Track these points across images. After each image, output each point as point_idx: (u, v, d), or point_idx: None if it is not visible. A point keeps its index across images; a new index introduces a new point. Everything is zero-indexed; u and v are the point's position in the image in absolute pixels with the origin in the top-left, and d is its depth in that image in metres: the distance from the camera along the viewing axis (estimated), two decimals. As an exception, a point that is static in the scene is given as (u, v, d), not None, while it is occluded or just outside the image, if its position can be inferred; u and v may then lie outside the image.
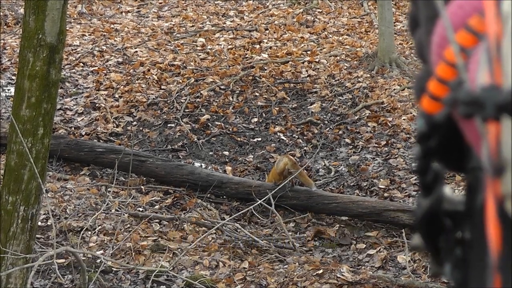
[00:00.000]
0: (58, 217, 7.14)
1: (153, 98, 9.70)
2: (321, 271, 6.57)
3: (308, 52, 11.10)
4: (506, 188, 0.54)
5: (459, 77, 0.59)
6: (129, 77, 10.23)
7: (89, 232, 7.05)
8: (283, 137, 9.06)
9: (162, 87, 10.02)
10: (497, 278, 0.55)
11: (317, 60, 10.84)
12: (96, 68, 10.54)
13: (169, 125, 9.25)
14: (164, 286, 6.46)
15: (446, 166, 0.64)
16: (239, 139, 9.05)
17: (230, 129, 9.19)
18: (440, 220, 0.65)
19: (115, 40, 11.48)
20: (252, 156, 8.75)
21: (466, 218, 0.64)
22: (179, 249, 6.85)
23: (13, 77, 9.49)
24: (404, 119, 9.30)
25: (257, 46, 11.32)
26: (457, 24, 0.60)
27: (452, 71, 0.60)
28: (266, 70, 10.48)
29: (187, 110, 9.50)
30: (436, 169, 0.63)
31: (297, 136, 9.09)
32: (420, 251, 0.72)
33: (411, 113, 9.40)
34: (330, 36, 11.81)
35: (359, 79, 10.29)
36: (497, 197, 0.55)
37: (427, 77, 0.64)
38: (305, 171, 7.89)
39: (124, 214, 7.27)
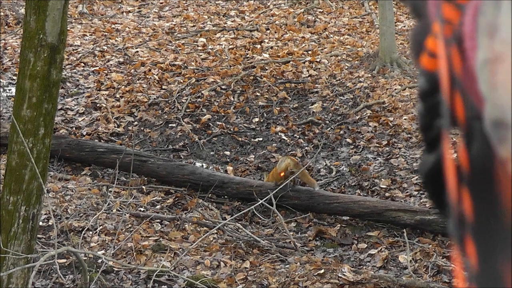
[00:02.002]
0: (59, 217, 7.13)
1: (154, 98, 9.70)
2: (322, 271, 6.57)
3: (309, 52, 11.10)
4: (507, 149, 0.54)
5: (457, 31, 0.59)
6: (130, 77, 10.23)
7: (90, 232, 7.05)
8: (284, 137, 9.06)
9: (163, 87, 10.02)
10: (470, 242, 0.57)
11: (318, 60, 10.84)
12: (97, 68, 10.54)
13: (170, 125, 9.25)
14: (166, 286, 6.46)
15: (447, 120, 0.65)
16: (240, 139, 9.05)
17: (231, 129, 9.19)
18: (441, 172, 0.66)
19: (116, 40, 11.48)
20: (253, 156, 8.75)
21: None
22: (181, 249, 6.85)
23: (14, 77, 9.49)
24: (405, 119, 9.30)
25: (258, 46, 11.32)
26: None
27: (449, 29, 0.59)
28: (267, 70, 10.48)
29: (188, 110, 9.50)
30: (439, 125, 0.64)
31: (298, 136, 9.09)
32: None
33: (412, 113, 9.40)
34: (331, 36, 11.81)
35: (360, 79, 10.28)
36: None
37: (424, 34, 0.64)
38: (306, 171, 7.89)
39: (125, 214, 7.27)
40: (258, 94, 9.91)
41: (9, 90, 9.81)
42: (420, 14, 0.66)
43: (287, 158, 7.79)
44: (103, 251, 6.72)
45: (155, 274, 6.09)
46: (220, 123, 9.28)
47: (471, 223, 0.58)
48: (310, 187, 7.76)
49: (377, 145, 8.87)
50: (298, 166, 7.70)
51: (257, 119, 9.41)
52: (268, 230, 7.42)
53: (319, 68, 10.61)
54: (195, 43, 11.41)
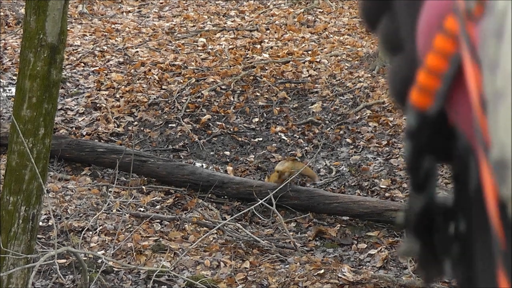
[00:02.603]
0: (59, 217, 7.14)
1: (154, 98, 9.70)
2: (322, 271, 6.57)
3: (309, 52, 11.10)
4: (507, 191, 0.51)
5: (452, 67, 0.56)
6: (130, 77, 10.23)
7: (90, 232, 7.06)
8: (284, 137, 9.06)
9: (163, 87, 10.02)
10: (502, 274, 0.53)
11: (318, 60, 10.84)
12: (97, 68, 10.55)
13: (170, 125, 9.25)
14: (165, 286, 6.46)
15: (435, 157, 0.61)
16: (240, 139, 9.05)
17: (231, 129, 9.19)
18: (432, 218, 0.62)
19: (116, 40, 11.48)
20: (253, 156, 8.75)
21: (458, 210, 0.61)
22: (180, 249, 6.86)
23: (14, 77, 9.49)
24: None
25: (258, 46, 11.32)
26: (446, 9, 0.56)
27: (444, 61, 0.56)
28: (267, 70, 10.48)
29: (188, 110, 9.50)
30: (428, 165, 0.60)
31: (298, 136, 9.09)
32: (411, 255, 0.66)
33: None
34: (331, 36, 11.81)
35: (360, 79, 10.28)
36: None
37: (411, 68, 0.60)
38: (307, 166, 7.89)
39: (125, 214, 7.27)
40: (258, 94, 9.91)
41: (9, 90, 9.81)
42: (400, 46, 0.61)
43: (286, 161, 7.79)
44: (103, 251, 6.73)
45: (155, 274, 6.10)
46: (220, 123, 9.28)
47: (504, 251, 0.53)
48: (311, 181, 7.77)
49: (377, 145, 8.87)
50: (297, 164, 7.70)
51: (257, 119, 9.41)
52: (268, 230, 7.42)
53: (319, 68, 10.61)
54: (195, 43, 11.41)
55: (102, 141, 8.83)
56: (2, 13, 12.01)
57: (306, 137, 9.07)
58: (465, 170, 0.58)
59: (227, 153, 8.83)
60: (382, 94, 9.86)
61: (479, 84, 0.52)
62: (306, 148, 8.86)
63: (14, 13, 12.15)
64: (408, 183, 0.64)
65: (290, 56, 10.92)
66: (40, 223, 6.36)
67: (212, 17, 12.59)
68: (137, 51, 11.07)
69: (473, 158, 0.55)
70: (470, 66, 0.53)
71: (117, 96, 9.79)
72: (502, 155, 0.50)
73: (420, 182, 0.61)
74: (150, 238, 7.04)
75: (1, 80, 10.05)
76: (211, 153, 8.83)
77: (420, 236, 0.63)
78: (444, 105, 0.57)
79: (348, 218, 7.59)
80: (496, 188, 0.51)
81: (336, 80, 10.28)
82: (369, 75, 10.38)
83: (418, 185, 0.61)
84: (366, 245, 7.20)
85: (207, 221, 7.35)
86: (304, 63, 10.74)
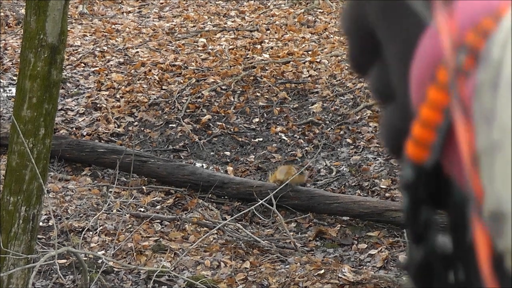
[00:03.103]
0: (59, 217, 7.14)
1: (154, 99, 9.70)
2: (322, 271, 6.57)
3: (309, 52, 11.10)
4: (506, 243, 0.49)
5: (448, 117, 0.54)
6: (130, 78, 10.23)
7: (91, 233, 7.06)
8: (284, 137, 9.06)
9: (163, 87, 10.02)
10: None
11: (318, 60, 10.84)
12: (97, 68, 10.55)
13: (170, 125, 9.25)
14: (166, 287, 6.46)
15: (432, 206, 0.60)
16: (240, 139, 9.05)
17: (232, 129, 9.19)
18: (432, 265, 0.61)
19: (116, 41, 11.48)
20: (254, 156, 8.75)
21: (457, 258, 0.60)
22: (181, 250, 6.86)
23: (14, 78, 9.49)
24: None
25: (258, 46, 11.32)
26: (438, 56, 0.53)
27: (438, 113, 0.54)
28: (267, 70, 10.48)
29: (188, 111, 9.51)
30: (427, 216, 0.59)
31: (298, 136, 9.09)
32: None
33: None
34: (331, 36, 11.81)
35: (360, 79, 10.28)
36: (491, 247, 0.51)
37: (405, 119, 0.58)
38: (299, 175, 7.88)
39: (125, 215, 7.27)
40: (258, 94, 9.91)
41: (10, 90, 9.81)
42: (392, 96, 0.60)
43: (289, 168, 7.76)
44: (103, 252, 6.73)
45: (155, 274, 6.10)
46: (220, 123, 9.28)
47: None
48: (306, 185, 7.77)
49: (377, 145, 8.87)
50: (293, 170, 7.70)
51: (257, 120, 9.41)
52: (268, 230, 7.42)
53: (319, 68, 10.61)
54: (195, 44, 11.42)
55: (102, 141, 8.84)
56: (2, 14, 12.02)
57: (306, 137, 9.07)
58: (462, 218, 0.57)
59: (228, 153, 8.83)
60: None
61: (470, 138, 0.51)
62: (306, 148, 8.86)
63: (14, 13, 12.15)
64: (407, 234, 0.63)
65: (291, 57, 10.92)
66: (41, 223, 6.36)
67: (212, 17, 12.59)
68: (138, 52, 11.07)
69: (469, 207, 0.55)
70: (461, 121, 0.52)
71: (118, 96, 9.79)
72: (498, 207, 0.49)
73: (419, 233, 0.59)
74: (150, 238, 7.04)
75: (2, 81, 10.05)
76: (212, 153, 8.83)
77: (420, 284, 0.61)
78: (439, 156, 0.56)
79: (348, 218, 7.59)
80: (490, 241, 0.51)
81: (337, 80, 10.28)
82: (370, 75, 10.37)
83: (417, 236, 0.60)
84: (366, 245, 7.20)
85: (207, 221, 7.35)
86: (304, 63, 10.74)
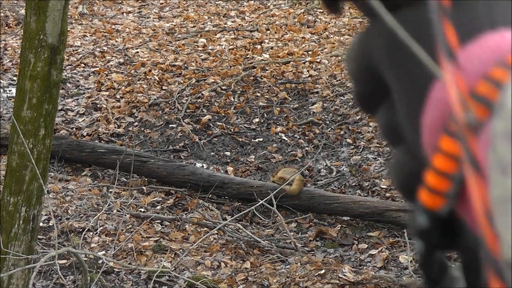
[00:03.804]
0: (59, 218, 7.14)
1: (155, 99, 9.70)
2: (323, 271, 6.57)
3: (309, 52, 11.10)
4: None
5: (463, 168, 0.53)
6: (130, 78, 10.23)
7: (91, 233, 7.06)
8: (284, 138, 9.06)
9: (164, 87, 10.02)
10: None
11: (318, 60, 10.84)
12: (97, 68, 10.55)
13: (170, 125, 9.25)
14: (166, 287, 6.46)
15: (445, 249, 0.60)
16: (240, 139, 9.05)
17: (232, 130, 9.19)
18: None
19: (116, 41, 11.48)
20: (254, 157, 8.75)
21: None
22: (181, 250, 6.86)
23: (15, 78, 9.49)
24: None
25: (258, 47, 11.32)
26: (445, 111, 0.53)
27: (453, 162, 0.54)
28: (267, 70, 10.48)
29: (188, 111, 9.51)
30: (440, 260, 0.59)
31: (298, 137, 9.09)
32: None
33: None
34: (331, 36, 11.81)
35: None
36: None
37: (417, 167, 0.58)
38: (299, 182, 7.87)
39: (125, 215, 7.27)
40: (258, 94, 9.91)
41: (10, 91, 9.81)
42: (402, 139, 0.60)
43: (294, 172, 7.75)
44: (103, 252, 6.73)
45: (155, 274, 6.10)
46: (221, 123, 9.28)
47: None
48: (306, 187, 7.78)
49: (378, 145, 8.87)
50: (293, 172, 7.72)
51: (257, 120, 9.41)
52: (269, 230, 7.42)
53: (320, 69, 10.61)
54: (195, 44, 11.41)
55: (102, 141, 8.84)
56: (2, 14, 12.02)
57: (306, 137, 9.07)
58: (475, 261, 0.57)
59: (228, 153, 8.83)
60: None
61: (483, 189, 0.51)
62: (306, 148, 8.86)
63: (14, 13, 12.15)
64: (422, 279, 0.63)
65: (291, 57, 10.92)
66: (41, 224, 6.36)
67: (212, 17, 12.59)
68: (138, 52, 11.07)
69: (481, 251, 0.54)
70: (471, 174, 0.51)
71: (118, 96, 9.79)
72: None
73: (434, 277, 0.59)
74: (150, 239, 7.04)
75: (2, 81, 10.05)
76: (212, 153, 8.83)
77: None
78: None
79: (348, 218, 7.59)
80: None
81: (337, 80, 10.28)
82: (370, 75, 10.37)
83: (432, 281, 0.60)
84: (366, 245, 7.19)
85: (207, 222, 7.35)
86: (304, 63, 10.74)
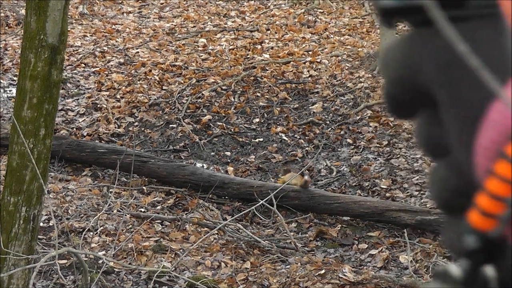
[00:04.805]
0: (60, 217, 7.14)
1: (155, 99, 9.70)
2: (323, 271, 6.57)
3: (310, 53, 11.10)
4: None
5: None
6: (130, 78, 10.23)
7: (91, 233, 7.06)
8: (284, 138, 9.06)
9: (164, 87, 10.02)
10: None
11: (318, 60, 10.84)
12: (98, 69, 10.55)
13: (170, 125, 9.25)
14: (166, 287, 6.46)
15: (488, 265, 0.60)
16: (240, 139, 9.05)
17: (232, 130, 9.19)
18: None
19: (116, 41, 11.48)
20: (254, 157, 8.75)
21: None
22: (181, 250, 6.86)
23: (15, 78, 9.49)
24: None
25: (259, 47, 11.32)
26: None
27: (508, 188, 0.53)
28: (267, 70, 10.48)
29: (188, 111, 9.51)
30: (484, 277, 0.59)
31: (298, 137, 9.09)
32: None
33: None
34: (332, 36, 11.81)
35: (360, 79, 10.28)
36: None
37: (459, 179, 0.57)
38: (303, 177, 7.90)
39: (126, 215, 7.27)
40: (258, 94, 9.91)
41: (10, 91, 9.81)
42: (444, 152, 0.59)
43: (301, 178, 7.78)
44: (103, 252, 6.73)
45: (155, 274, 6.10)
46: (221, 123, 9.28)
47: None
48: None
49: (378, 145, 8.87)
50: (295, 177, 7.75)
51: (257, 120, 9.41)
52: (269, 230, 7.42)
53: (320, 69, 10.61)
54: (196, 44, 11.41)
55: (102, 141, 8.84)
56: (2, 14, 12.02)
57: (306, 137, 9.07)
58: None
59: (228, 153, 8.83)
60: (383, 94, 9.86)
61: None
62: (306, 148, 8.86)
63: (14, 13, 12.15)
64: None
65: (291, 57, 10.92)
66: (41, 224, 6.36)
67: (212, 17, 12.59)
68: (138, 52, 11.07)
69: None
70: None
71: (118, 96, 9.79)
72: None
73: None
74: (150, 239, 7.04)
75: (2, 81, 10.05)
76: (212, 153, 8.83)
77: None
78: None
79: (349, 218, 7.59)
80: None
81: (337, 81, 10.28)
82: (370, 75, 10.38)
83: None
84: (367, 245, 7.19)
85: (207, 222, 7.35)
86: (304, 63, 10.74)
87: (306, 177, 7.75)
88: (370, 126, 9.23)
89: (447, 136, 0.59)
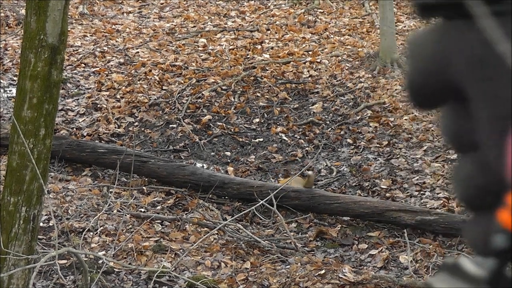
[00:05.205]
0: (60, 218, 7.13)
1: (155, 99, 9.70)
2: (323, 271, 6.57)
3: (310, 53, 11.10)
4: None
5: None
6: (130, 78, 10.23)
7: (91, 233, 7.05)
8: (284, 138, 9.06)
9: (164, 87, 10.02)
10: None
11: (318, 60, 10.84)
12: (98, 69, 10.55)
13: (170, 125, 9.25)
14: (166, 287, 6.46)
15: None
16: (240, 139, 9.05)
17: (232, 130, 9.19)
18: None
19: (116, 41, 11.48)
20: (254, 157, 8.75)
21: None
22: (181, 250, 6.85)
23: (15, 78, 9.49)
24: (405, 119, 9.30)
25: (259, 47, 11.32)
26: None
27: None
28: (267, 70, 10.48)
29: (188, 111, 9.50)
30: (508, 274, 0.59)
31: (298, 137, 9.08)
32: None
33: (412, 113, 9.40)
34: (332, 36, 11.81)
35: (360, 79, 10.28)
36: None
37: (486, 176, 0.57)
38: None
39: (126, 215, 7.27)
40: (258, 94, 9.91)
41: (10, 91, 9.81)
42: (472, 147, 0.58)
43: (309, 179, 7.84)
44: (103, 252, 6.72)
45: (155, 274, 6.09)
46: (221, 123, 9.28)
47: None
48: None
49: (378, 145, 8.87)
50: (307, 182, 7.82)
51: (257, 120, 9.41)
52: (269, 230, 7.42)
53: (320, 69, 10.61)
54: (196, 44, 11.41)
55: (102, 141, 8.83)
56: (2, 14, 12.02)
57: (306, 137, 9.07)
58: None
59: (228, 153, 8.83)
60: (383, 94, 9.86)
61: None
62: (306, 148, 8.86)
63: (14, 13, 12.15)
64: None
65: (291, 57, 10.92)
66: (41, 224, 6.36)
67: (212, 17, 12.59)
68: (138, 52, 11.07)
69: None
70: None
71: (118, 96, 9.79)
72: None
73: None
74: (150, 239, 7.03)
75: (2, 81, 10.05)
76: (212, 153, 8.83)
77: None
78: None
79: (348, 218, 7.59)
80: None
81: (337, 81, 10.28)
82: (370, 76, 10.38)
83: None
84: (367, 246, 7.19)
85: (207, 222, 7.35)
86: (304, 63, 10.74)
87: (310, 173, 7.79)
88: (370, 126, 9.22)
89: (476, 132, 0.58)
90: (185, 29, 12.04)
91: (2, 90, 9.72)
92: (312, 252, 7.10)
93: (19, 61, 6.08)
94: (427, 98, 0.62)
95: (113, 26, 12.12)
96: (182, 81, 10.15)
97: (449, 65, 0.58)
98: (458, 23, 0.57)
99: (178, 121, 9.28)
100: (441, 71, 0.58)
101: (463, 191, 0.60)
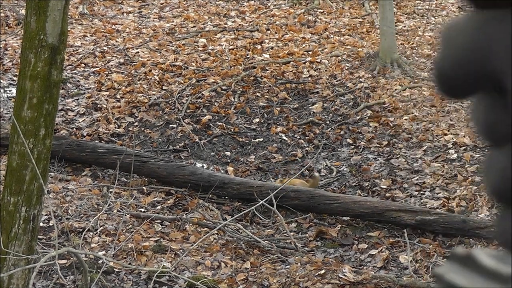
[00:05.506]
0: (60, 218, 7.14)
1: (155, 99, 9.70)
2: (323, 271, 6.57)
3: (310, 53, 11.10)
4: None
5: None
6: (130, 78, 10.23)
7: (91, 233, 7.05)
8: (284, 138, 9.06)
9: (164, 87, 10.02)
10: None
11: (318, 60, 10.84)
12: (98, 69, 10.55)
13: (170, 125, 9.25)
14: (166, 287, 6.46)
15: None
16: (240, 139, 9.05)
17: (232, 130, 9.19)
18: None
19: (116, 41, 11.48)
20: (254, 157, 8.75)
21: None
22: (181, 250, 6.85)
23: (15, 78, 9.49)
24: (405, 119, 9.30)
25: (259, 47, 11.32)
26: None
27: None
28: (267, 70, 10.48)
29: (188, 111, 9.50)
30: None
31: (298, 137, 9.08)
32: None
33: (412, 113, 9.40)
34: (332, 36, 11.81)
35: (360, 79, 10.28)
36: None
37: None
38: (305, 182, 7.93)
39: (126, 215, 7.27)
40: (258, 94, 9.91)
41: (10, 91, 9.81)
42: (506, 140, 0.56)
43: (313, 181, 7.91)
44: (103, 252, 6.72)
45: (155, 274, 6.10)
46: (221, 123, 9.28)
47: None
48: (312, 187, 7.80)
49: (378, 145, 8.87)
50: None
51: (257, 120, 9.41)
52: (269, 230, 7.42)
53: (320, 69, 10.61)
54: (196, 44, 11.41)
55: (102, 141, 8.83)
56: (2, 14, 12.02)
57: (306, 137, 9.07)
58: None
59: (228, 153, 8.83)
60: (383, 94, 9.87)
61: None
62: (306, 148, 8.86)
63: (14, 13, 12.15)
64: None
65: (291, 57, 10.92)
66: (41, 224, 6.36)
67: (212, 17, 12.59)
68: (138, 52, 11.07)
69: None
70: None
71: (118, 96, 9.79)
72: None
73: None
74: (150, 239, 7.04)
75: (2, 81, 10.05)
76: (212, 153, 8.83)
77: None
78: None
79: (348, 218, 7.59)
80: None
81: (337, 81, 10.28)
82: (370, 76, 10.38)
83: None
84: (366, 246, 7.19)
85: (207, 222, 7.35)
86: (304, 63, 10.74)
87: (316, 174, 7.85)
88: (370, 126, 9.22)
89: None
90: (185, 29, 12.04)
91: (2, 90, 9.72)
92: (312, 252, 7.10)
93: (19, 61, 6.09)
94: (459, 86, 0.60)
95: (113, 26, 12.12)
96: (182, 81, 10.15)
97: (488, 54, 0.56)
98: (498, 12, 0.55)
99: (178, 121, 9.28)
100: (479, 62, 0.57)
101: (497, 184, 0.59)
